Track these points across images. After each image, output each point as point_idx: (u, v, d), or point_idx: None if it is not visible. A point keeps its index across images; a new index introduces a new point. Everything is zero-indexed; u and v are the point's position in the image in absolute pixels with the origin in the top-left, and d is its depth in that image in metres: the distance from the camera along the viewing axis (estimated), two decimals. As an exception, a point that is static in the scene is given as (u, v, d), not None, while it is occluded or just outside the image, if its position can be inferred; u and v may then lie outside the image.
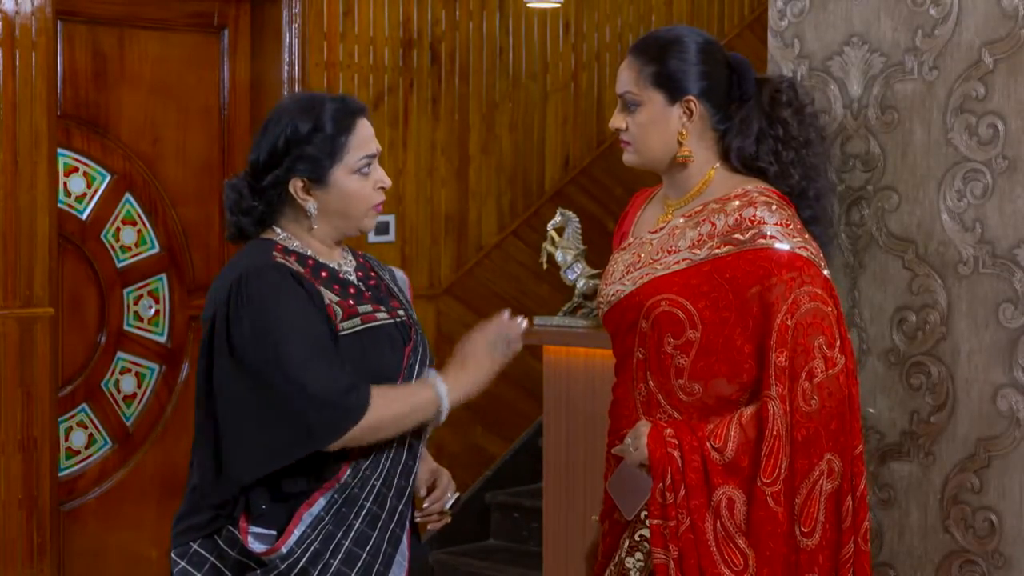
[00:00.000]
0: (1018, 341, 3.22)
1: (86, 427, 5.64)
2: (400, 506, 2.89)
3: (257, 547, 2.78)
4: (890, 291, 3.41)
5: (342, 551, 2.82)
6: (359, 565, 2.83)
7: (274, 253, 2.85)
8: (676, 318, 2.92)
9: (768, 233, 2.90)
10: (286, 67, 5.94)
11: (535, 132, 6.77)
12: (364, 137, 2.92)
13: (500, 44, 6.62)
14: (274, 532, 2.80)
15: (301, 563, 2.78)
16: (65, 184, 5.56)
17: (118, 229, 5.73)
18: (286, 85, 5.92)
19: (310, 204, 2.88)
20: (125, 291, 5.75)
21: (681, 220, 3.03)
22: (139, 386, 5.77)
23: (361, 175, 2.91)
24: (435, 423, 2.88)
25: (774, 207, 2.94)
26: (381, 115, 6.16)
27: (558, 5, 6.65)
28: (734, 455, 2.85)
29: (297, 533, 2.78)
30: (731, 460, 2.85)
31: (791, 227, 2.93)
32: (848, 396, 2.90)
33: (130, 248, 5.76)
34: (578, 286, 4.84)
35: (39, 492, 5.18)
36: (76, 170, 5.61)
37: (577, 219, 4.91)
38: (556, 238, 4.87)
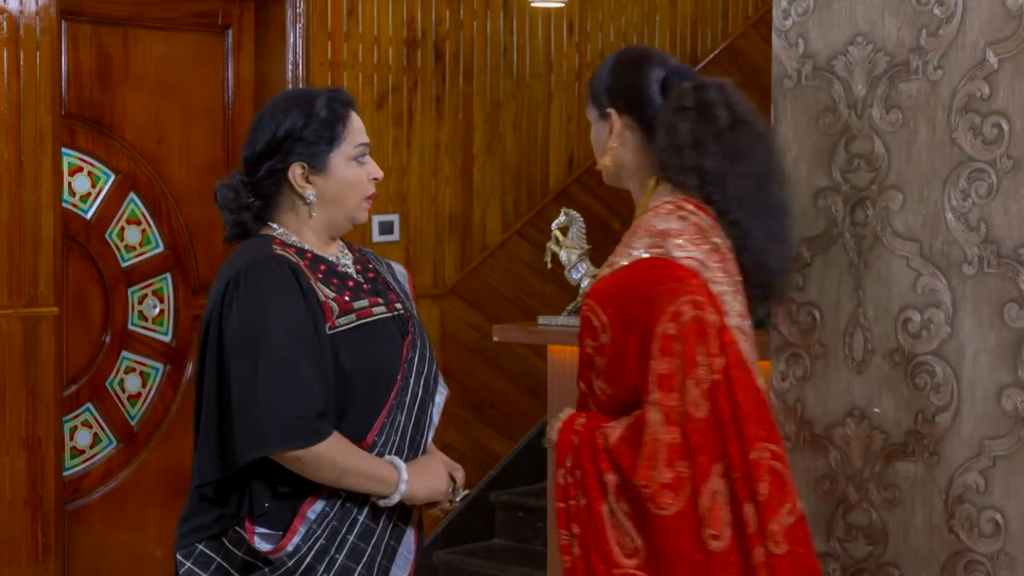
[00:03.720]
0: (1023, 341, 3.22)
1: (91, 426, 5.64)
2: None
3: (264, 547, 2.78)
4: (895, 291, 3.41)
5: (347, 546, 2.82)
6: (364, 559, 2.84)
7: (273, 246, 2.85)
8: (591, 322, 2.94)
9: (655, 243, 2.90)
10: (290, 67, 5.94)
11: (539, 131, 6.76)
12: (358, 126, 2.96)
13: (504, 43, 6.62)
14: (280, 532, 2.80)
15: (307, 560, 2.78)
16: (70, 183, 5.57)
17: (122, 228, 5.73)
18: (290, 84, 5.91)
19: (309, 192, 2.89)
20: (129, 290, 5.75)
21: None
22: (144, 385, 5.78)
23: (357, 163, 2.93)
24: (384, 501, 2.86)
25: (674, 217, 2.93)
26: (385, 114, 6.17)
27: (562, 5, 6.64)
28: (615, 448, 2.86)
29: (302, 530, 2.78)
30: (613, 451, 2.86)
31: (684, 237, 2.91)
32: (733, 403, 2.85)
33: (134, 247, 5.77)
34: (582, 285, 4.84)
35: (44, 491, 5.19)
36: (80, 169, 5.62)
37: (581, 218, 4.91)
38: (560, 237, 4.87)
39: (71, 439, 5.58)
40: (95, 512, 5.62)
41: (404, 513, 2.93)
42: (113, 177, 5.69)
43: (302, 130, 2.87)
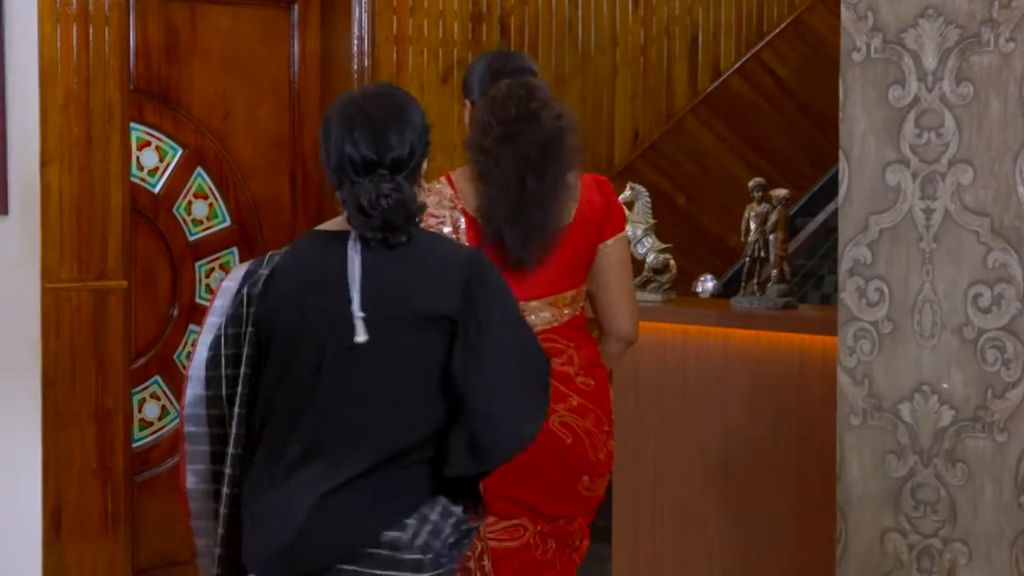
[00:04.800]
0: (1095, 316, 3.18)
1: (159, 399, 5.70)
2: None
3: (472, 516, 2.88)
4: (964, 266, 3.38)
5: None
6: None
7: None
8: None
9: None
10: (356, 41, 5.95)
11: (604, 107, 6.75)
12: None
13: (569, 18, 6.60)
14: (461, 506, 2.87)
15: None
16: (138, 158, 5.62)
17: (190, 203, 5.77)
18: (356, 59, 5.93)
19: (423, 182, 2.96)
20: (197, 264, 5.80)
21: None
22: (211, 358, 5.82)
23: None
24: None
25: (430, 188, 3.48)
26: (450, 89, 6.17)
27: (627, -22, 6.62)
28: None
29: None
30: None
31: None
32: None
33: (201, 222, 5.81)
34: (648, 260, 4.83)
35: (113, 462, 5.25)
36: (148, 144, 5.66)
37: (647, 193, 4.90)
38: (626, 212, 4.86)
39: (140, 411, 5.64)
40: (163, 483, 5.68)
41: None
42: (180, 151, 5.73)
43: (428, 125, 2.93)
